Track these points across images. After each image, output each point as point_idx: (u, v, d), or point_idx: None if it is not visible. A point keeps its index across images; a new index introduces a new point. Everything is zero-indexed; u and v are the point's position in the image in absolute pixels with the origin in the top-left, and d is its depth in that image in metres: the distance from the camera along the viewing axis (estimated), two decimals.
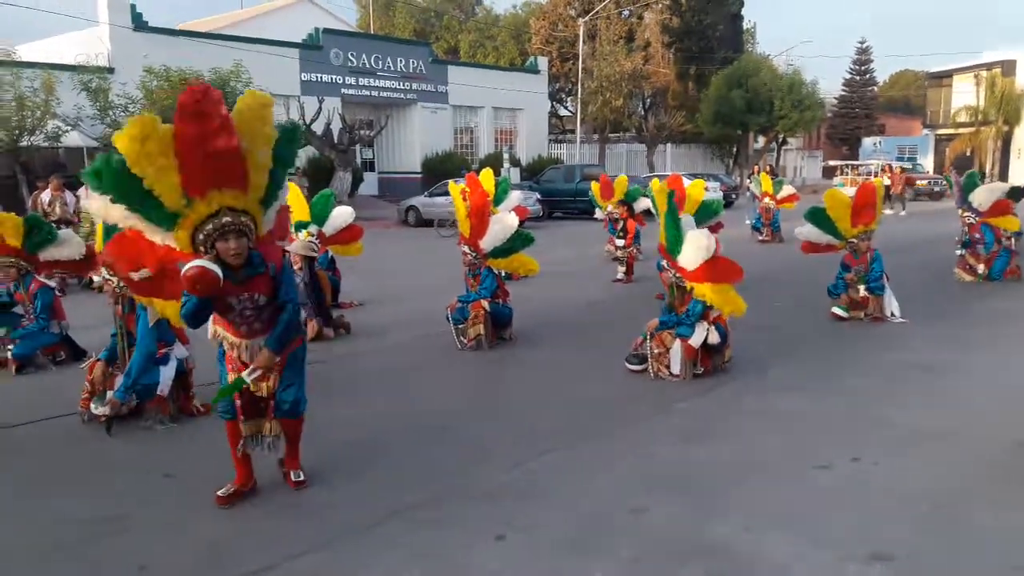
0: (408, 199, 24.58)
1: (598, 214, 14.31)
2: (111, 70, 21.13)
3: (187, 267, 3.60)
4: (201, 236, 3.67)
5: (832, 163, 42.44)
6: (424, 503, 4.17)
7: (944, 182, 34.47)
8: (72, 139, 19.92)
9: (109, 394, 5.45)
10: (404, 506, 4.12)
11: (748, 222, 18.46)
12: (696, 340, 6.32)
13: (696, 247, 6.18)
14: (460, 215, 7.83)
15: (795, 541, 3.65)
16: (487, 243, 7.64)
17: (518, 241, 7.84)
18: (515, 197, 11.69)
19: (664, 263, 6.67)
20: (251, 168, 3.68)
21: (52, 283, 7.36)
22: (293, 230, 8.74)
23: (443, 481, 4.45)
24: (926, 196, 32.69)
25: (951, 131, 42.35)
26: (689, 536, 3.74)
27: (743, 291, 6.36)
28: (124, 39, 22.24)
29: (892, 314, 8.43)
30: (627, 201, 12.70)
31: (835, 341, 7.73)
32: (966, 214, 10.88)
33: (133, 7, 22.91)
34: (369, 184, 29.87)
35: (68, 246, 7.22)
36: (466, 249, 7.73)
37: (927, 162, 43.54)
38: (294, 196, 8.88)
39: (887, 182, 30.46)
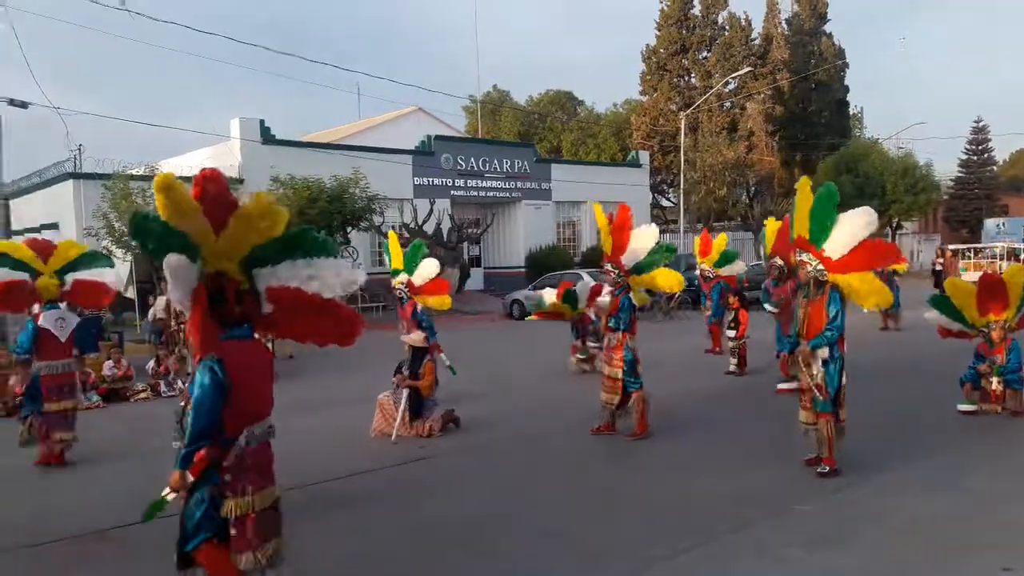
0: (513, 293, 24.95)
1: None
2: (241, 180, 22.75)
3: None
4: None
5: (951, 247, 40.55)
6: None
7: None
8: None
9: None
10: None
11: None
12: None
13: (856, 225, 5.80)
14: (604, 232, 7.97)
15: None
16: (628, 258, 7.75)
17: (659, 253, 7.88)
18: None
19: (805, 256, 6.03)
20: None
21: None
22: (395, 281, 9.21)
23: None
24: None
25: None
26: None
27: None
28: (253, 151, 24.10)
29: None
30: (740, 292, 12.49)
31: (969, 438, 7.27)
32: None
33: (262, 122, 24.94)
34: (475, 279, 30.60)
35: None
36: (609, 267, 7.88)
37: None
38: (392, 246, 9.42)
39: (938, 268, 28.76)
